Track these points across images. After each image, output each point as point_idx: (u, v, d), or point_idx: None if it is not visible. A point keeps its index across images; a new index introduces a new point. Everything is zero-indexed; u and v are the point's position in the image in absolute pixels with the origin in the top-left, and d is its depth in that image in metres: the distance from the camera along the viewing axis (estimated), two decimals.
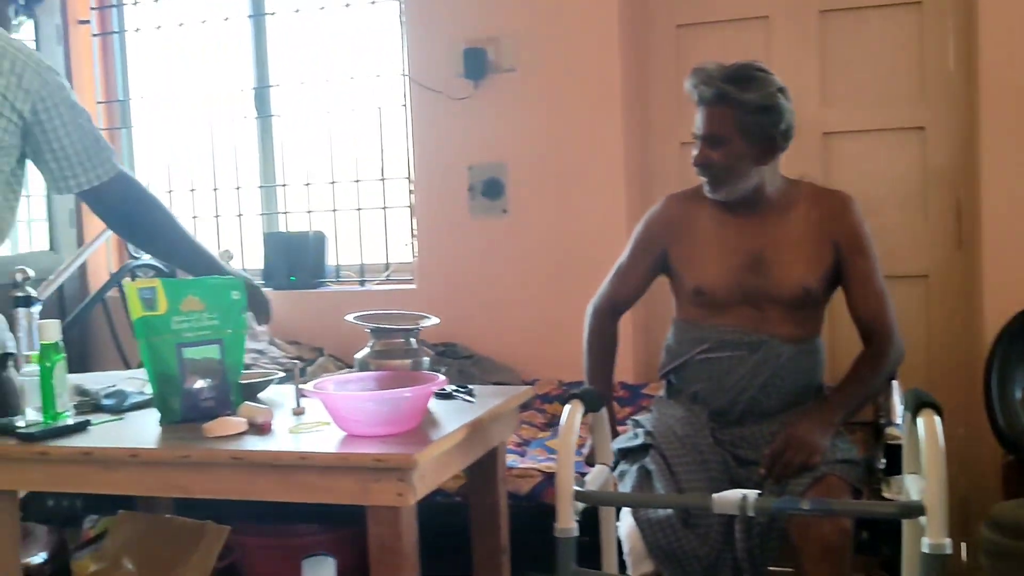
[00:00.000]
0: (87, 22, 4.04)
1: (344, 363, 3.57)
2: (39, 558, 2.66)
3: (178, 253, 2.17)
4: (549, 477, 2.57)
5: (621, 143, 3.34)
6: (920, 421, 1.66)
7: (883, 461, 2.17)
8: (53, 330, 1.86)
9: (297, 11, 3.83)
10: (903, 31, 3.18)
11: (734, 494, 1.67)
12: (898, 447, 2.07)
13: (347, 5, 3.76)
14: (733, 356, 2.21)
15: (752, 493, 1.67)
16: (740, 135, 2.16)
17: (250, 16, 3.92)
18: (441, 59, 3.48)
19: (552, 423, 3.20)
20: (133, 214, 2.08)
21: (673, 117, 3.44)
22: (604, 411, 2.03)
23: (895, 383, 2.29)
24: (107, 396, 2.06)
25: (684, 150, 3.40)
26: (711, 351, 2.24)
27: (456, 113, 3.48)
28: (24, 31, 3.87)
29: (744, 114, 2.14)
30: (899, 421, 2.21)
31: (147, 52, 4.09)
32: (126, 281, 1.90)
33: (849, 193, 2.30)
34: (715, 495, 1.68)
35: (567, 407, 1.84)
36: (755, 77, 2.18)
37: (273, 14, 3.89)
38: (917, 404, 1.69)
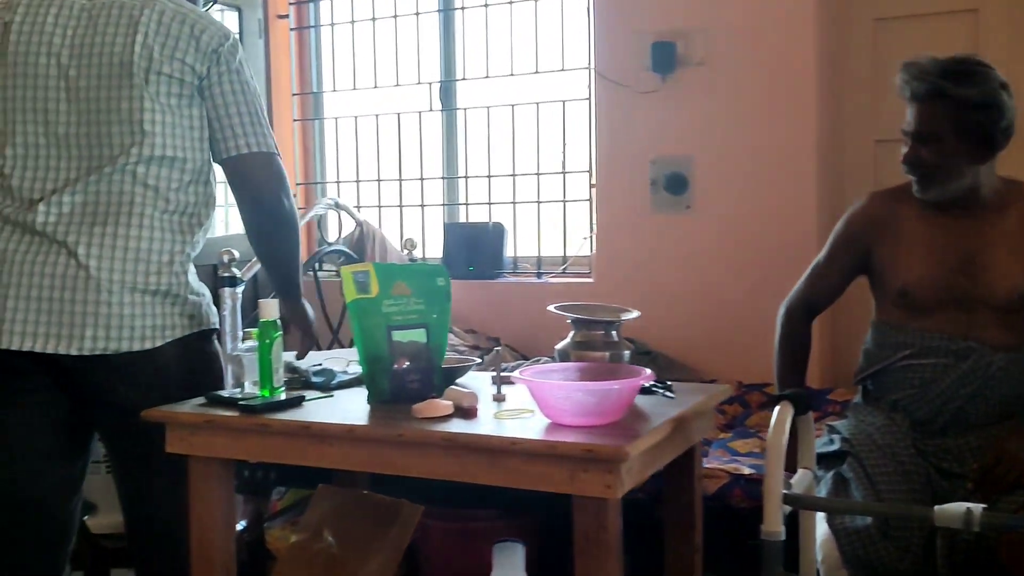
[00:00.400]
0: (286, 17, 4.22)
1: (520, 353, 3.61)
2: (239, 526, 2.80)
3: (272, 256, 2.11)
4: (736, 479, 2.53)
5: (814, 140, 3.25)
6: None
7: None
8: (272, 308, 1.95)
9: (486, 5, 3.89)
10: None
11: (958, 507, 1.59)
12: None
13: None
14: (939, 363, 2.12)
15: (977, 507, 1.59)
16: (955, 133, 2.06)
17: (439, 11, 4.00)
18: (628, 53, 3.47)
19: (732, 424, 3.14)
20: (263, 197, 2.01)
21: (869, 114, 3.31)
22: (810, 415, 1.97)
23: None
24: (316, 374, 2.15)
25: (880, 148, 3.28)
26: (915, 357, 2.15)
27: (642, 107, 3.46)
28: (228, 23, 4.07)
29: (961, 111, 2.04)
30: None
31: (341, 46, 4.23)
32: (344, 267, 1.96)
33: None
34: (937, 507, 1.61)
35: (776, 408, 1.80)
36: (974, 71, 2.07)
37: (462, 8, 3.96)
38: None
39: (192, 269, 2.05)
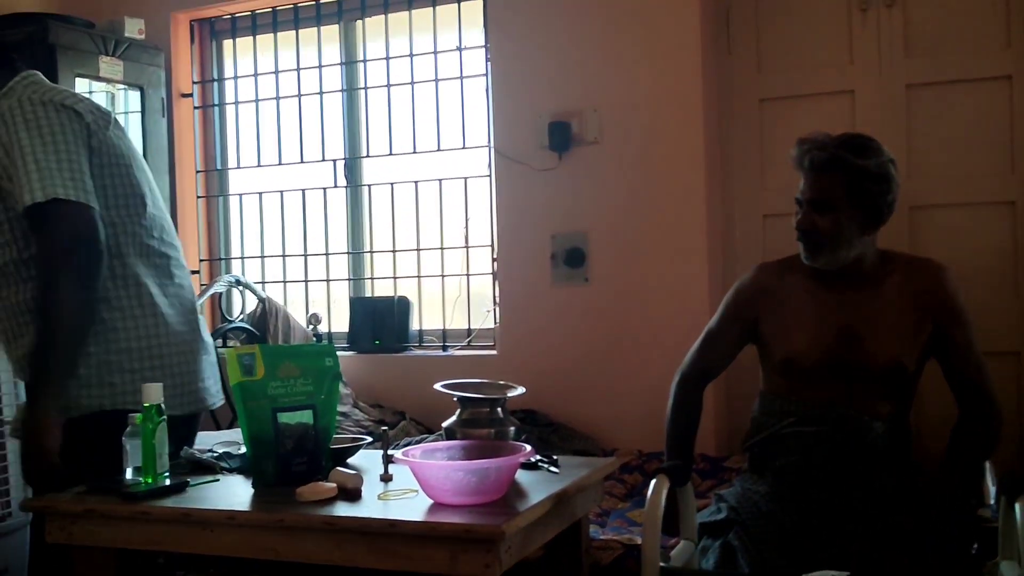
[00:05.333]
0: (190, 96, 4.23)
1: (425, 427, 3.62)
2: None
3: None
4: (630, 549, 2.56)
5: (704, 215, 3.36)
6: (1018, 507, 1.63)
7: (975, 546, 2.12)
8: (155, 392, 1.93)
9: (388, 85, 3.96)
10: (992, 105, 3.16)
11: (824, 575, 1.65)
12: (992, 530, 2.02)
13: (436, 80, 3.88)
14: (821, 431, 2.19)
15: (842, 574, 1.65)
16: (849, 202, 2.15)
17: (342, 90, 4.07)
18: (526, 131, 3.57)
19: (632, 494, 3.18)
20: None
21: (756, 190, 3.45)
22: (690, 485, 2.02)
23: (987, 464, 2.23)
24: (202, 457, 2.13)
25: (767, 222, 3.42)
26: (798, 424, 2.22)
27: (540, 183, 3.55)
28: (131, 102, 4.07)
29: (857, 181, 2.14)
30: (992, 502, 2.15)
31: (245, 123, 4.26)
32: (229, 348, 1.96)
33: (942, 262, 2.28)
34: None
35: (653, 482, 1.84)
36: (869, 146, 2.18)
37: (365, 88, 4.03)
38: (1015, 488, 1.66)
39: None
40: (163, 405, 1.91)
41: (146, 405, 1.91)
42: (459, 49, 3.84)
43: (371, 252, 4.07)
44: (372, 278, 4.07)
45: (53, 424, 1.97)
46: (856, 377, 2.19)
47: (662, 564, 1.77)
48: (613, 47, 3.46)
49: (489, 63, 3.71)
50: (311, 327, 3.92)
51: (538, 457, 1.99)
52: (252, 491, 1.91)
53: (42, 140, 1.99)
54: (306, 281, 4.15)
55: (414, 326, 3.93)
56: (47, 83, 2.18)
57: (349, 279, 4.10)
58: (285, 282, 4.18)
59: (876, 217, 2.19)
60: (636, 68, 3.44)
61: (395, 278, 3.99)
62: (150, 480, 1.90)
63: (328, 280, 4.12)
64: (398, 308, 3.89)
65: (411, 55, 3.92)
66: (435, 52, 3.88)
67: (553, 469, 1.97)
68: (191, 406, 2.22)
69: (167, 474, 1.93)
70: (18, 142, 1.99)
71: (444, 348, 3.86)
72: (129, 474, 1.95)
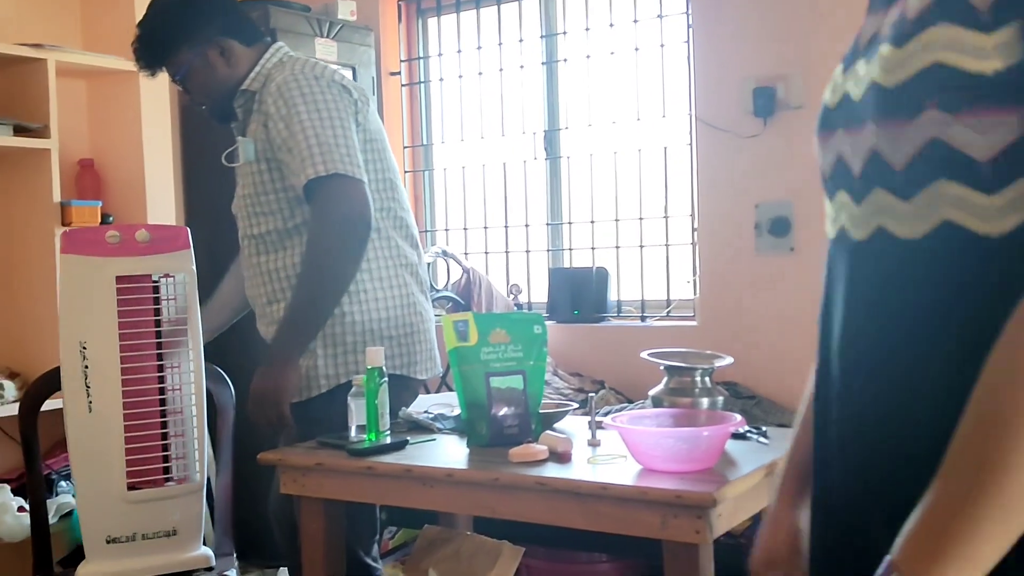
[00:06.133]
0: (397, 74, 4.40)
1: (624, 396, 3.64)
2: None
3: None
4: None
5: None
6: None
7: None
8: (378, 356, 2.05)
9: (588, 57, 3.98)
10: None
11: None
12: None
13: (636, 49, 3.87)
14: None
15: None
16: None
17: (543, 63, 4.12)
18: (729, 98, 3.50)
19: None
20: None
21: None
22: None
23: None
24: (420, 418, 2.24)
25: None
26: None
27: (743, 151, 3.48)
28: None
29: None
30: None
31: (449, 99, 4.39)
32: (445, 317, 2.06)
33: None
34: None
35: None
36: None
37: (565, 60, 4.07)
38: None
39: None
40: (415, 369, 2.07)
41: (369, 367, 2.03)
42: (660, 17, 3.81)
43: (570, 223, 4.12)
44: (571, 249, 4.12)
45: (293, 378, 2.12)
46: None
47: None
48: (820, 6, 3.33)
49: (691, 29, 3.66)
50: (512, 296, 4.02)
51: (748, 427, 1.98)
52: (467, 451, 2.00)
53: (319, 115, 2.13)
54: (507, 252, 4.25)
55: (612, 296, 3.95)
56: (307, 57, 2.34)
57: (548, 250, 4.17)
58: (487, 253, 4.30)
59: None
60: (844, 28, 3.27)
61: (593, 248, 4.02)
62: (373, 437, 2.02)
63: (528, 251, 4.20)
64: (596, 278, 3.92)
65: (611, 25, 3.92)
66: (635, 21, 3.86)
67: (763, 440, 1.95)
68: (433, 370, 2.36)
69: (388, 432, 2.05)
70: (297, 116, 2.13)
71: (643, 318, 3.87)
72: (353, 432, 2.08)
